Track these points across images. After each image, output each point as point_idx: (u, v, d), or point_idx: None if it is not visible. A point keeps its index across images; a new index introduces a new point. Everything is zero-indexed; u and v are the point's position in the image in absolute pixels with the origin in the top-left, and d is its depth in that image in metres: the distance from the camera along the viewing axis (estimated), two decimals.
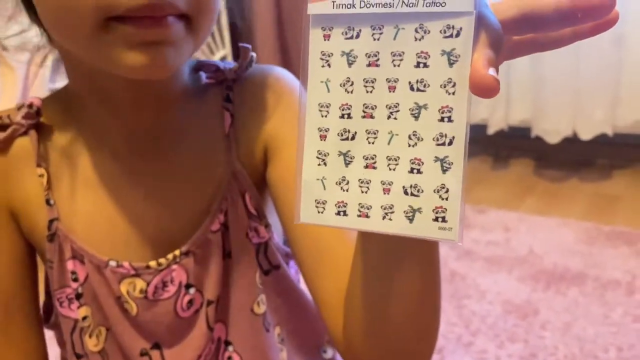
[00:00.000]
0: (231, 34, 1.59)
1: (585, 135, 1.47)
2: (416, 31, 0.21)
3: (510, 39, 0.24)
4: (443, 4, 0.20)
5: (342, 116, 0.22)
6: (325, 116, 0.22)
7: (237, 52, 0.44)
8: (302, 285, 0.43)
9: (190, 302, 0.40)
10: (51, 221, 0.40)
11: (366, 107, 0.22)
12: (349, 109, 0.22)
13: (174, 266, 0.39)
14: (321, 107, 0.22)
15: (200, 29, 0.33)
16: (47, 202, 0.40)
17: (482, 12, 0.21)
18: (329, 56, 0.22)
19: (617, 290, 1.01)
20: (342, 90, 0.22)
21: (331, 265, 0.35)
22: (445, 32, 0.21)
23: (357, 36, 0.21)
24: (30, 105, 0.39)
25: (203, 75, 0.42)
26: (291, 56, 1.64)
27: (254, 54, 0.43)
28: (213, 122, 0.41)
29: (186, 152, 0.40)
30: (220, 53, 1.58)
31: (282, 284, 0.43)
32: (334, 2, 0.21)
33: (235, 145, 0.41)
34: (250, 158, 0.42)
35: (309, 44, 0.22)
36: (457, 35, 0.20)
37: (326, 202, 0.22)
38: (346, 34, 0.22)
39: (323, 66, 0.22)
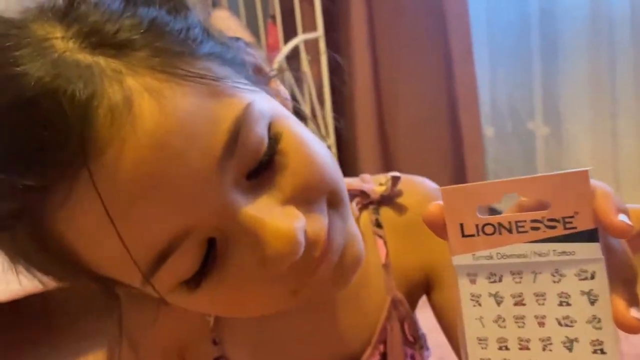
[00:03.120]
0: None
1: None
2: (553, 275, 0.24)
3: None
4: (572, 253, 0.24)
5: (500, 348, 0.25)
6: (485, 348, 0.26)
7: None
8: None
9: None
10: (216, 359, 0.42)
11: (521, 340, 0.25)
12: (505, 341, 0.25)
13: None
14: (480, 340, 0.26)
15: (339, 200, 0.33)
16: (214, 341, 0.42)
17: (613, 248, 0.24)
18: (478, 297, 0.26)
19: None
20: (495, 326, 0.26)
21: None
22: (580, 275, 0.24)
23: (500, 280, 0.25)
24: None
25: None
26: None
27: (399, 175, 0.43)
28: (367, 249, 0.41)
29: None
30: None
31: None
32: (473, 255, 0.26)
33: (393, 273, 0.42)
34: (408, 284, 0.43)
35: (458, 287, 0.26)
36: (592, 277, 0.23)
37: None
38: (490, 278, 0.26)
39: (474, 305, 0.26)
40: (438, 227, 0.26)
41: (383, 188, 0.43)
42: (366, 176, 0.45)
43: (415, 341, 0.43)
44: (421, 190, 0.44)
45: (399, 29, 1.48)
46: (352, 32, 1.51)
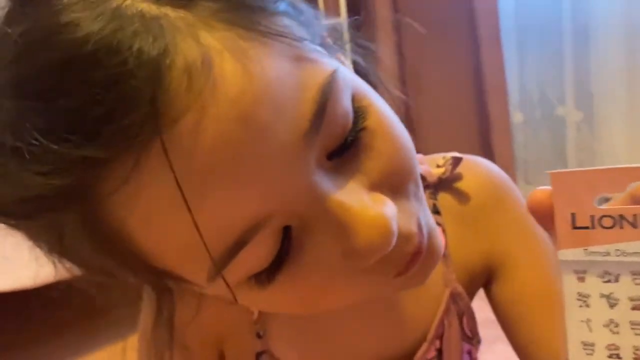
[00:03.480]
0: None
1: None
2: None
3: None
4: None
5: (611, 356, 0.22)
6: (591, 354, 0.23)
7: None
8: None
9: None
10: (259, 353, 0.39)
11: (637, 350, 0.22)
12: (617, 349, 0.22)
13: None
14: (585, 345, 0.23)
15: (419, 188, 0.30)
16: (258, 334, 0.39)
17: None
18: (587, 297, 0.23)
19: None
20: (606, 331, 0.22)
21: None
22: None
23: (617, 280, 0.22)
24: None
25: None
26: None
27: (460, 156, 0.40)
28: None
29: None
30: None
31: None
32: (585, 249, 0.22)
33: (451, 263, 0.39)
34: (468, 276, 0.40)
35: (562, 284, 0.23)
36: None
37: None
38: (603, 277, 0.22)
39: (581, 306, 0.23)
40: (543, 216, 0.22)
41: (441, 170, 0.39)
42: (419, 156, 0.40)
43: (473, 336, 0.41)
44: (484, 173, 0.40)
45: (424, 13, 1.44)
46: (376, 17, 1.47)
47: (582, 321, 0.23)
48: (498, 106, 1.43)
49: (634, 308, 0.22)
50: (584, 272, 0.23)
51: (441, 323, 0.39)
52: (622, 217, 0.21)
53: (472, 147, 1.50)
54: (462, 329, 0.40)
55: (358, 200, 0.26)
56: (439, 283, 0.39)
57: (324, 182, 0.25)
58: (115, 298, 0.33)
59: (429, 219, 0.30)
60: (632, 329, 0.22)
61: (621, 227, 0.21)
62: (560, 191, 0.22)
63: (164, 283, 0.29)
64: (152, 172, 0.22)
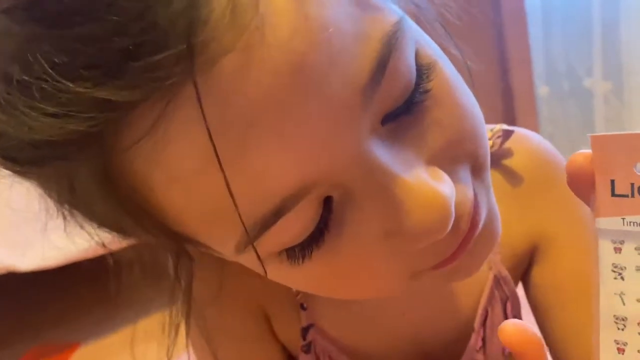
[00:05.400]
0: None
1: None
2: None
3: None
4: None
5: None
6: (622, 329, 0.22)
7: None
8: None
9: None
10: (306, 328, 0.37)
11: None
12: None
13: None
14: (617, 319, 0.22)
15: (484, 165, 0.27)
16: (302, 306, 0.37)
17: None
18: (622, 269, 0.21)
19: None
20: (639, 306, 0.21)
21: None
22: None
23: None
24: None
25: None
26: None
27: (511, 129, 0.36)
28: None
29: None
30: None
31: None
32: (623, 219, 0.21)
33: (498, 245, 0.36)
34: (514, 258, 0.37)
35: (598, 253, 0.22)
36: None
37: None
38: None
39: (615, 278, 0.22)
40: (582, 182, 0.20)
41: (489, 144, 0.35)
42: None
43: None
44: (536, 150, 0.37)
45: None
46: None
47: (615, 294, 0.22)
48: (522, 79, 1.39)
49: None
50: (621, 242, 0.21)
51: (485, 309, 0.37)
52: None
53: (496, 121, 1.46)
54: (505, 316, 0.37)
55: (414, 175, 0.22)
56: (483, 269, 0.36)
57: (377, 149, 0.22)
58: (129, 282, 0.31)
59: (491, 199, 0.27)
60: None
61: None
62: (601, 156, 0.21)
63: (182, 248, 0.26)
64: (183, 121, 0.19)
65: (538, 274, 0.37)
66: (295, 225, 0.22)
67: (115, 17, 0.18)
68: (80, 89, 0.18)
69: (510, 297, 0.37)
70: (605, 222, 0.21)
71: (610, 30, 1.36)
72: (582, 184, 0.20)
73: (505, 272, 0.37)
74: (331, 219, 0.23)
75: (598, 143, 0.21)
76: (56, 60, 0.18)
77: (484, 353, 0.38)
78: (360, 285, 0.26)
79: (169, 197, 0.21)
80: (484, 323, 0.37)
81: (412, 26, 0.24)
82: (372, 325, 0.38)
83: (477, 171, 0.26)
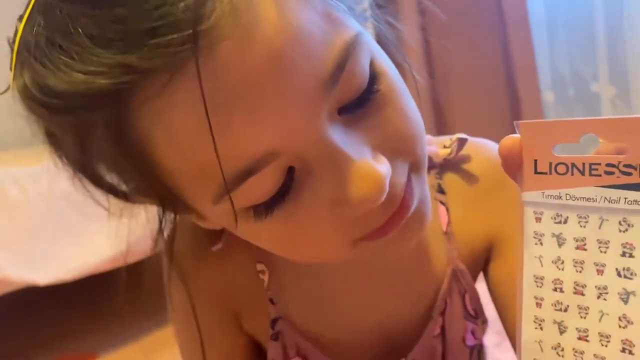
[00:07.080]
0: None
1: None
2: (620, 224, 0.23)
3: None
4: None
5: (555, 289, 0.25)
6: (540, 287, 0.25)
7: None
8: None
9: None
10: (275, 320, 0.41)
11: (576, 285, 0.24)
12: (560, 283, 0.25)
13: None
14: (536, 278, 0.26)
15: (421, 163, 0.32)
16: (271, 300, 0.40)
17: None
18: (541, 236, 0.25)
19: None
20: (554, 267, 0.25)
21: None
22: None
23: (565, 222, 0.25)
24: None
25: None
26: None
27: (466, 137, 0.41)
28: None
29: (406, 251, 0.38)
30: None
31: None
32: (543, 193, 0.25)
33: (455, 241, 0.40)
34: (472, 254, 0.40)
35: (523, 223, 0.26)
36: None
37: None
38: (555, 218, 0.25)
39: (536, 244, 0.26)
40: (512, 162, 0.25)
41: (447, 151, 0.41)
42: (428, 137, 0.41)
43: (477, 315, 0.41)
44: (492, 156, 0.41)
45: None
46: None
47: (535, 257, 0.26)
48: (528, 86, 1.41)
49: (577, 248, 0.24)
50: (541, 213, 0.25)
51: (443, 300, 0.40)
52: (573, 165, 0.24)
53: (502, 127, 1.48)
54: (464, 307, 0.40)
55: (360, 155, 0.28)
56: (442, 260, 0.40)
57: (333, 133, 0.28)
58: (143, 294, 0.36)
59: (424, 190, 0.32)
60: (574, 266, 0.24)
61: (572, 174, 0.24)
62: (527, 139, 0.25)
63: (169, 199, 0.31)
64: (184, 90, 0.24)
65: (495, 268, 0.40)
66: (262, 185, 0.28)
67: (142, 6, 0.24)
68: (109, 55, 0.24)
69: (469, 290, 0.40)
70: (529, 196, 0.25)
71: (615, 34, 1.37)
72: (512, 164, 0.25)
73: (462, 267, 0.40)
74: (292, 186, 0.29)
75: (525, 128, 0.25)
76: (93, 33, 0.24)
77: (443, 341, 0.41)
78: (310, 246, 0.31)
79: (166, 150, 0.27)
80: (443, 312, 0.40)
81: (369, 41, 0.30)
82: (338, 315, 0.41)
83: (415, 168, 0.31)
